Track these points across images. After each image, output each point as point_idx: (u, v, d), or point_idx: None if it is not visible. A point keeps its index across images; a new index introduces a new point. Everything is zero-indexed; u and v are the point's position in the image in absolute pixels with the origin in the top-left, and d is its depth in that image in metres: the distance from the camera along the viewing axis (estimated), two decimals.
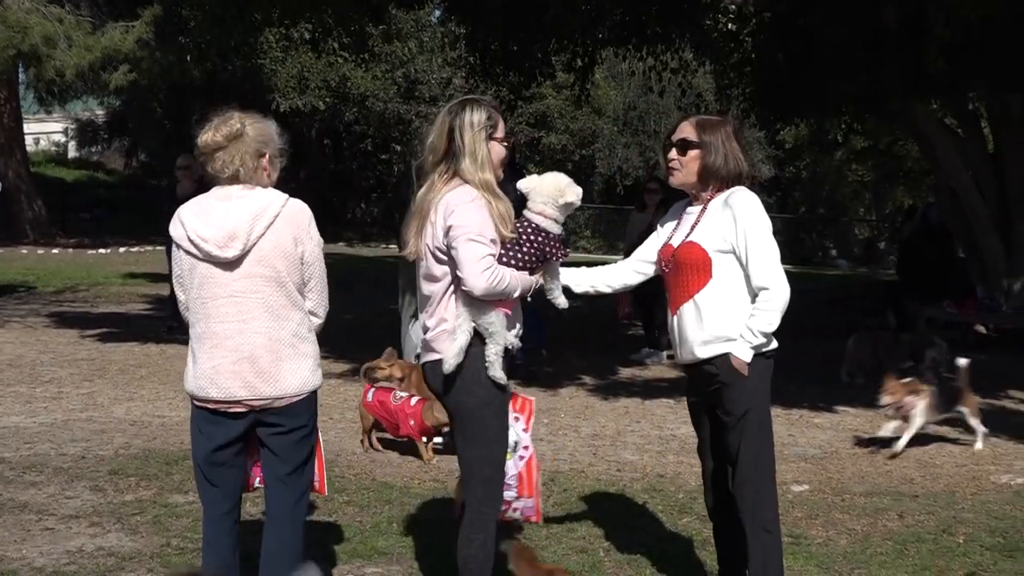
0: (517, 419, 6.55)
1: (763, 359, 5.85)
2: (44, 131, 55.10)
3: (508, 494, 6.30)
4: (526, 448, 6.61)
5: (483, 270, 5.46)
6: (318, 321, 5.78)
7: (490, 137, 5.73)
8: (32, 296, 21.80)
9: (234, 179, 5.60)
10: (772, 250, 5.79)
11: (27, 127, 40.99)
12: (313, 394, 5.75)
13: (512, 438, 6.19)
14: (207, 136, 5.57)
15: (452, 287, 5.68)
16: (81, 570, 6.95)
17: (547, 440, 10.67)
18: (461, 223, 5.52)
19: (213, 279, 5.60)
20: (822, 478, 9.59)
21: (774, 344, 5.92)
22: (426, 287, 5.81)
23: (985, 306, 17.60)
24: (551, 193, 5.83)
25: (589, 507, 8.51)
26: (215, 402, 5.62)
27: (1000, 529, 8.12)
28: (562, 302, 6.09)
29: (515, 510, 6.60)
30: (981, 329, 18.12)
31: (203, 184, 6.24)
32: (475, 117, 5.72)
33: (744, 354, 5.78)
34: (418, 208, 5.77)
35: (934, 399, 10.61)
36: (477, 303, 5.58)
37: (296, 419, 5.69)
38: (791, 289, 5.83)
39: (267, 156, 5.66)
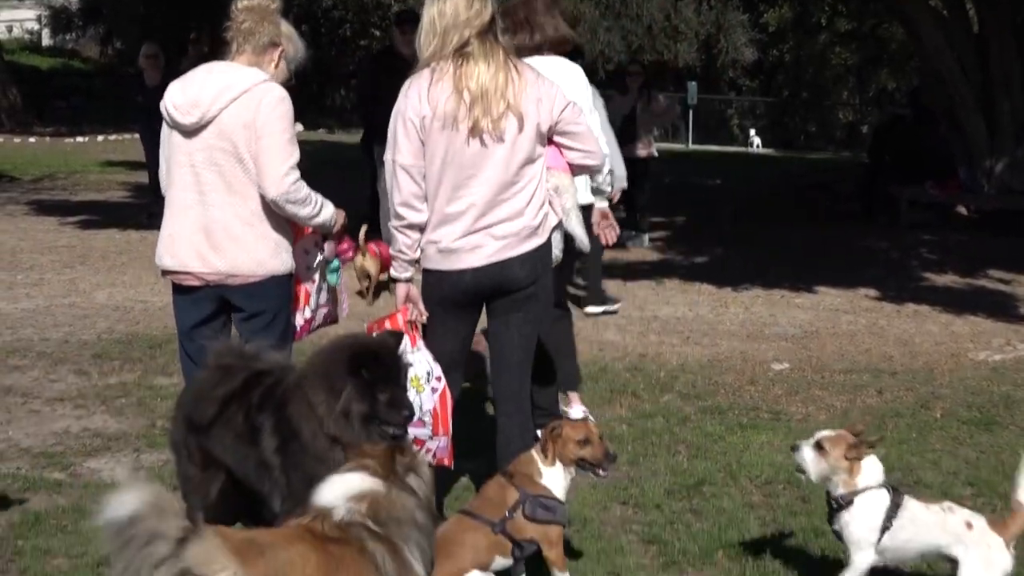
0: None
1: None
2: (16, 18, 54.16)
3: (422, 432, 5.40)
4: (439, 379, 5.55)
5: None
6: (270, 197, 5.58)
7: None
8: (10, 185, 21.62)
9: (239, 54, 5.70)
10: None
11: None
12: (276, 280, 5.75)
13: (424, 367, 5.54)
14: (244, 2, 5.70)
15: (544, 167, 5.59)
16: (68, 451, 7.00)
17: None
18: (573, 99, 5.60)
19: (179, 148, 5.71)
20: (802, 356, 9.68)
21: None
22: (513, 173, 5.38)
23: (967, 187, 17.61)
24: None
25: None
26: (171, 272, 5.75)
27: (977, 404, 8.23)
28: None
29: (428, 451, 5.44)
30: (962, 210, 18.15)
31: (172, 73, 6.26)
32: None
33: None
34: (491, 87, 5.30)
35: None
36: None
37: (256, 303, 5.72)
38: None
39: (281, 49, 5.76)
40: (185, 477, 5.23)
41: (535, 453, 5.06)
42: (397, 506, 4.26)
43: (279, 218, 5.73)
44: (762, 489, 6.50)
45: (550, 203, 5.57)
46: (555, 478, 5.03)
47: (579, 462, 5.05)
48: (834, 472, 4.93)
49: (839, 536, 5.01)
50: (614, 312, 11.26)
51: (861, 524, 4.90)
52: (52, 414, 7.73)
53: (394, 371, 4.92)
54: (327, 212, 5.80)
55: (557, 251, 5.86)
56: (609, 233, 7.60)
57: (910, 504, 4.94)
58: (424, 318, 5.57)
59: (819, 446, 4.95)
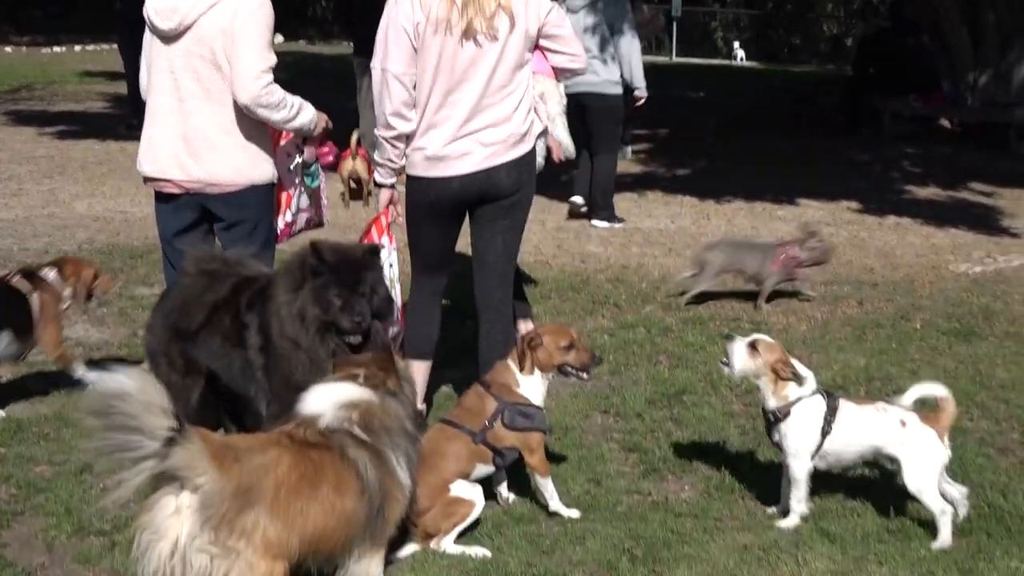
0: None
1: None
2: None
3: (394, 329, 5.59)
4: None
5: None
6: (241, 102, 5.54)
7: None
8: None
9: None
10: None
11: None
12: (256, 189, 5.73)
13: (392, 271, 5.74)
14: None
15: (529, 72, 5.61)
16: (49, 360, 6.98)
17: None
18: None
19: (159, 53, 5.67)
20: None
21: None
22: (503, 76, 5.44)
23: (951, 99, 17.55)
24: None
25: (554, 298, 8.59)
26: (151, 179, 5.74)
27: (956, 315, 8.28)
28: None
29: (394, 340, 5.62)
30: (945, 123, 18.12)
31: None
32: None
33: None
34: None
35: None
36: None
37: (236, 212, 5.71)
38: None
39: None
40: (166, 383, 5.23)
41: (511, 362, 5.07)
42: (389, 415, 4.29)
43: (259, 126, 5.69)
44: (742, 398, 6.54)
45: (535, 110, 5.61)
46: (533, 385, 5.06)
47: (562, 368, 5.08)
48: (756, 376, 5.00)
49: (778, 446, 5.08)
50: (617, 230, 11.28)
51: (799, 433, 4.96)
52: None
53: (350, 278, 4.88)
54: (305, 116, 5.75)
55: (540, 158, 5.89)
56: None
57: (845, 407, 5.02)
58: (402, 219, 5.73)
59: (752, 346, 4.99)
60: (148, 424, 3.58)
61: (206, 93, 5.57)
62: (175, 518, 3.73)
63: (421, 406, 5.84)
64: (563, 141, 6.31)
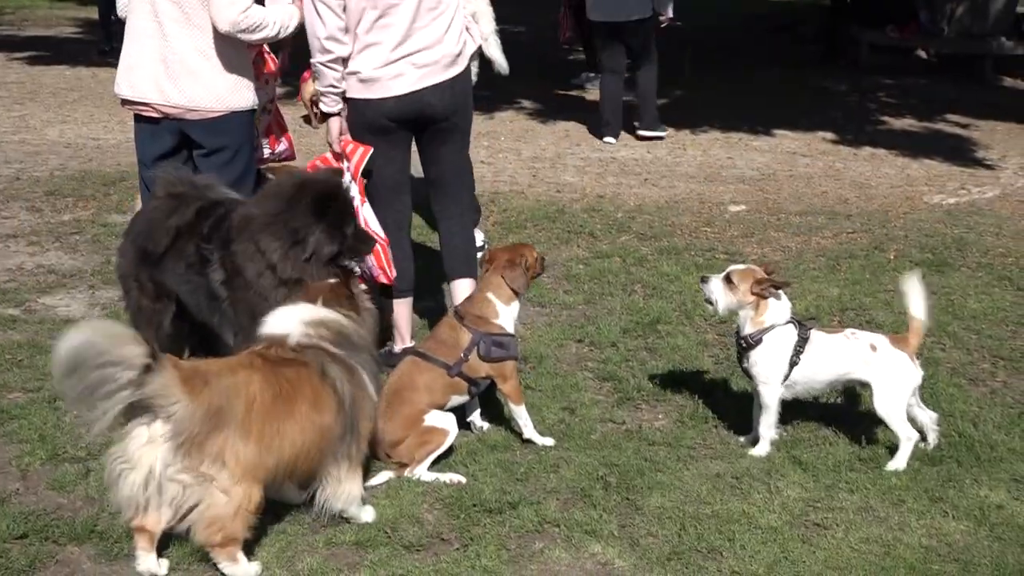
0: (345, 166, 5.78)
1: None
2: None
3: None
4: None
5: None
6: (222, 30, 5.45)
7: None
8: None
9: None
10: None
11: None
12: (236, 115, 5.67)
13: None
14: None
15: None
16: (22, 287, 6.96)
17: (487, 163, 10.65)
18: None
19: None
20: (759, 199, 9.71)
21: None
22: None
23: (927, 30, 17.47)
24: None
25: (529, 227, 8.59)
26: (130, 103, 5.65)
27: (930, 246, 8.31)
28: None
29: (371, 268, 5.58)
30: (922, 54, 18.05)
31: None
32: None
33: None
34: None
35: None
36: None
37: (216, 139, 5.65)
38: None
39: None
40: (137, 308, 5.23)
41: (491, 295, 5.05)
42: (351, 332, 4.29)
43: (240, 53, 5.63)
44: (716, 328, 6.57)
45: (467, 29, 5.66)
46: (510, 314, 5.07)
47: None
48: (741, 306, 5.04)
49: (748, 374, 5.14)
50: (661, 138, 11.88)
51: (769, 361, 5.02)
52: (5, 251, 7.66)
53: (351, 205, 5.00)
54: (289, 26, 5.67)
55: (474, 77, 5.95)
56: None
57: (816, 337, 5.07)
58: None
59: (728, 279, 5.04)
60: (122, 355, 3.57)
61: (185, 17, 5.49)
62: (148, 447, 3.74)
63: (409, 343, 5.84)
64: (496, 59, 6.33)
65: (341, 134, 5.71)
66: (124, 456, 3.76)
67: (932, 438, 5.10)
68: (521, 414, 5.09)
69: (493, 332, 5.00)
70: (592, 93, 14.88)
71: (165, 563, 4.02)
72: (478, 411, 5.28)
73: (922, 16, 17.51)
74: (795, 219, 9.00)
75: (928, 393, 5.64)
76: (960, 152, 11.80)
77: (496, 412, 5.32)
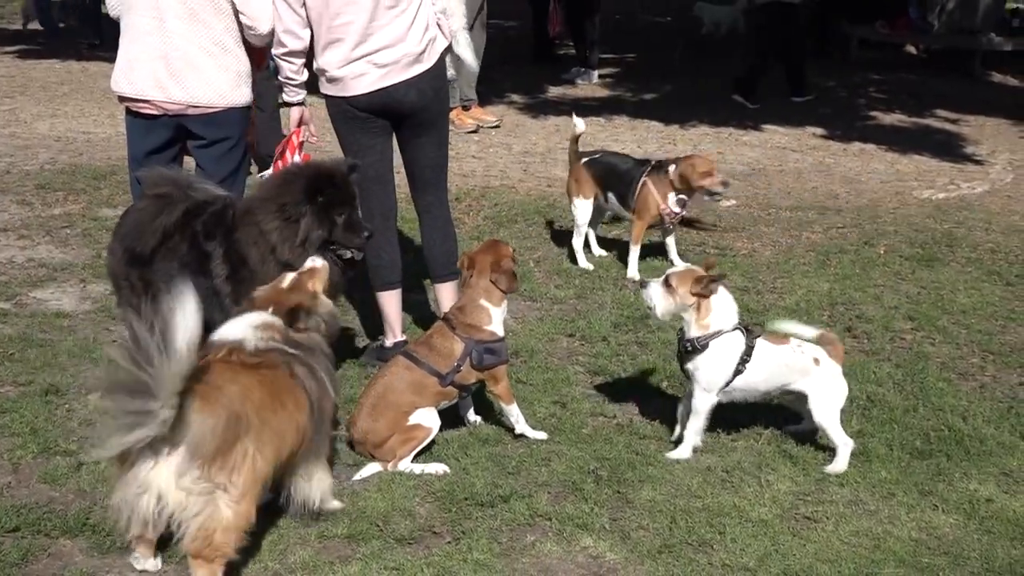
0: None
1: None
2: None
3: None
4: None
5: None
6: (256, 32, 5.55)
7: None
8: None
9: None
10: None
11: None
12: (236, 110, 5.67)
13: None
14: None
15: None
16: (12, 281, 6.94)
17: (478, 157, 10.66)
18: None
19: None
20: (749, 193, 9.72)
21: None
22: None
23: (917, 26, 17.51)
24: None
25: (520, 222, 8.60)
26: (129, 100, 5.62)
27: (919, 240, 8.33)
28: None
29: None
30: (912, 50, 18.10)
31: None
32: None
33: None
34: None
35: None
36: None
37: (217, 131, 5.65)
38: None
39: None
40: (130, 307, 5.22)
41: (484, 301, 5.04)
42: (303, 335, 4.27)
43: (241, 48, 5.63)
44: None
45: (439, 26, 5.69)
46: (500, 316, 5.07)
47: None
48: (681, 309, 4.95)
49: (688, 375, 5.05)
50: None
51: (714, 368, 4.95)
52: None
53: (349, 194, 4.98)
54: None
55: (451, 72, 5.96)
56: None
57: (763, 346, 5.00)
58: (315, 139, 6.00)
59: (667, 282, 4.95)
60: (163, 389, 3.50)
61: (191, 13, 5.46)
62: (156, 469, 3.63)
63: (401, 337, 5.85)
64: (465, 58, 6.32)
65: (302, 123, 5.81)
66: (137, 482, 3.65)
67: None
68: (512, 412, 5.10)
69: (485, 340, 4.98)
70: (584, 88, 14.92)
71: (159, 560, 4.03)
72: (471, 409, 5.29)
73: (912, 12, 17.57)
74: (785, 214, 9.02)
75: (918, 388, 5.67)
76: (949, 147, 11.83)
77: (488, 406, 5.33)
